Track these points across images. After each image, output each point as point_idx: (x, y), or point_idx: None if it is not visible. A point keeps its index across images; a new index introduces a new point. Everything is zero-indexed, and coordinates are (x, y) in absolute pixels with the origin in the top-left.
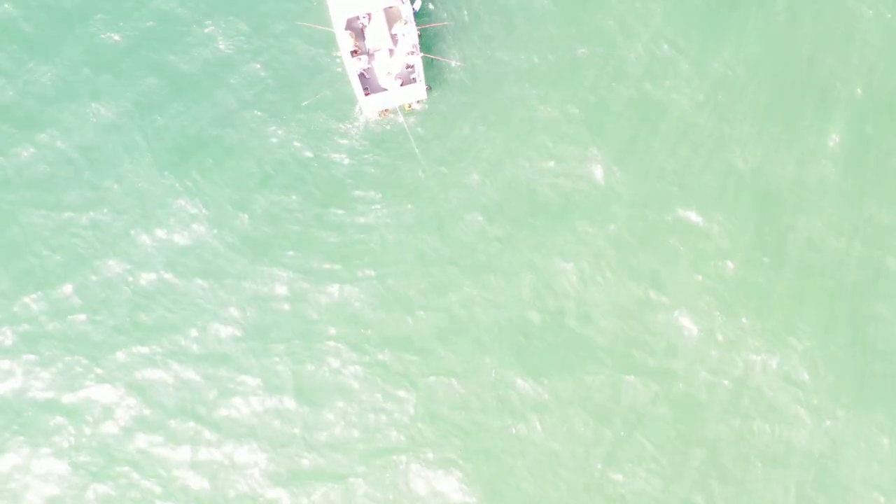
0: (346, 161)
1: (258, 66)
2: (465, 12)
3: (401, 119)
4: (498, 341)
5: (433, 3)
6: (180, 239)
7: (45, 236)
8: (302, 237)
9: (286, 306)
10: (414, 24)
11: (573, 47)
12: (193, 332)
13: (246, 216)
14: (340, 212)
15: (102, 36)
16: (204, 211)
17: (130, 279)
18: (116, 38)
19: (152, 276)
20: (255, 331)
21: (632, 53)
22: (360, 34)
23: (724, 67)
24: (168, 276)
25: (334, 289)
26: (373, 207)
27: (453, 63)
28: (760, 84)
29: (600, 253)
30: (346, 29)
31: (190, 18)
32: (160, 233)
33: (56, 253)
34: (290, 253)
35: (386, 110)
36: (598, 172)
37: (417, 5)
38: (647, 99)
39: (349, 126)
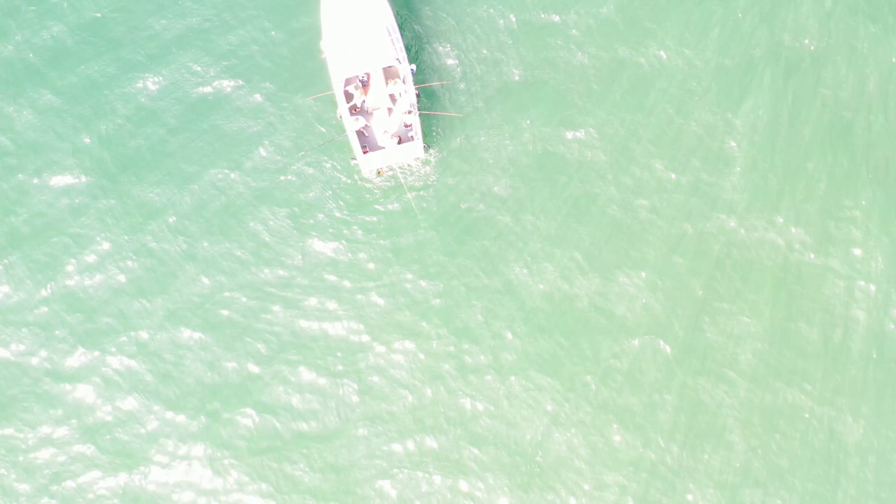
0: (340, 221)
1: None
2: (464, 70)
3: (399, 178)
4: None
5: (432, 62)
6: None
7: None
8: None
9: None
10: (412, 83)
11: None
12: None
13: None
14: (333, 277)
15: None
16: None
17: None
18: (120, 112)
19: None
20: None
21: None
22: (359, 93)
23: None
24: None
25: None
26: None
27: (453, 115)
28: None
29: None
30: (346, 88)
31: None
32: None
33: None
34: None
35: (383, 168)
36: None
37: (415, 67)
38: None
39: (346, 183)
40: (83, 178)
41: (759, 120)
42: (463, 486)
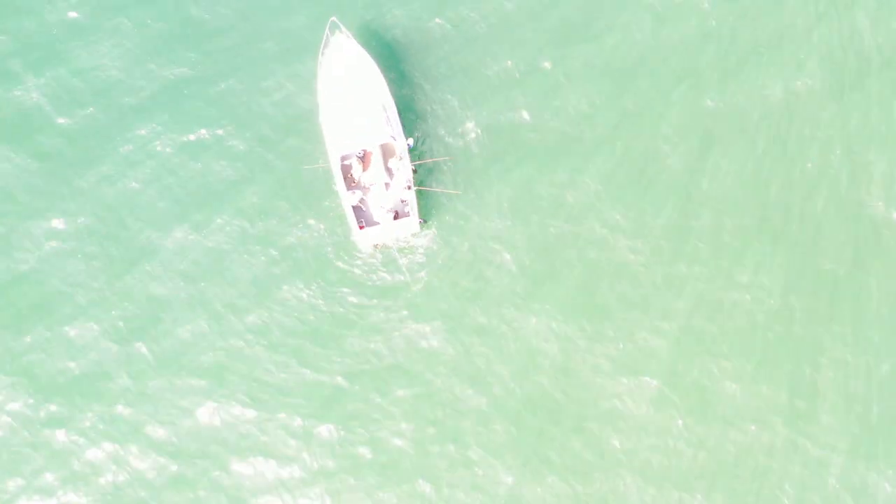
0: (329, 294)
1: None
2: (462, 146)
3: (395, 254)
4: None
5: (429, 138)
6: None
7: None
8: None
9: None
10: (409, 159)
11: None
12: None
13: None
14: (320, 350)
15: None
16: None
17: None
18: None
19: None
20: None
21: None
22: (358, 168)
23: None
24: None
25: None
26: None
27: (450, 192)
28: None
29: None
30: (343, 163)
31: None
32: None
33: None
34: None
35: (380, 243)
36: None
37: (411, 142)
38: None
39: (342, 257)
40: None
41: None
42: None
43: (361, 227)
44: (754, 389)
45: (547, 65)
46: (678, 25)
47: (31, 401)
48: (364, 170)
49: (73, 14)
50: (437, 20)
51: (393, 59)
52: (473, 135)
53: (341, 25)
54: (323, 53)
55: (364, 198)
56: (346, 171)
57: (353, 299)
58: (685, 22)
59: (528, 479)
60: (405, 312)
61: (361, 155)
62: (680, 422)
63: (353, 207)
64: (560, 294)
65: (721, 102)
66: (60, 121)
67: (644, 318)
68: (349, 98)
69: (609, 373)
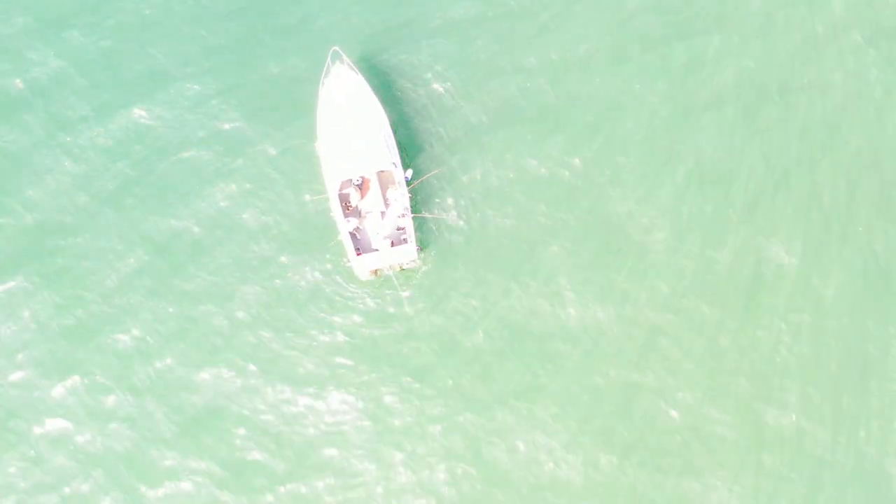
0: (323, 322)
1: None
2: (458, 171)
3: (393, 280)
4: None
5: (426, 165)
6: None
7: None
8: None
9: None
10: (405, 188)
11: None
12: None
13: None
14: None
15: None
16: None
17: None
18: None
19: None
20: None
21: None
22: (356, 195)
23: None
24: None
25: None
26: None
27: (446, 217)
28: None
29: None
30: (341, 190)
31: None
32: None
33: None
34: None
35: (377, 270)
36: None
37: (409, 174)
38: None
39: (339, 283)
40: None
41: None
42: None
43: (359, 254)
44: None
45: (548, 92)
46: None
47: None
48: (362, 197)
49: None
50: (441, 60)
51: (391, 89)
52: (479, 171)
53: (343, 54)
54: (323, 83)
55: (360, 226)
56: (343, 198)
57: (344, 325)
58: None
59: None
60: (399, 337)
61: (359, 182)
62: None
63: (350, 234)
64: None
65: None
66: None
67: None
68: (348, 125)
69: None
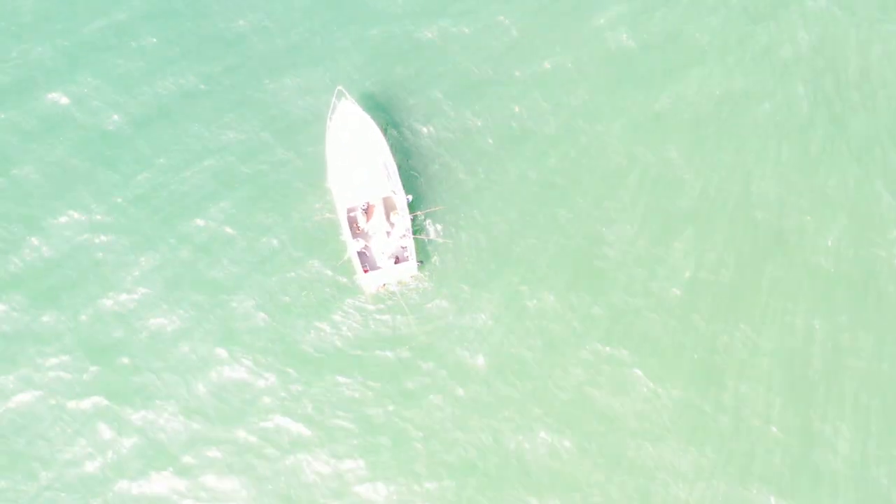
0: (337, 334)
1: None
2: (454, 198)
3: (397, 294)
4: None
5: (424, 191)
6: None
7: None
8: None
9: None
10: (407, 211)
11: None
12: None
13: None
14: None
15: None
16: None
17: None
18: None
19: None
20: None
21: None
22: (362, 218)
23: None
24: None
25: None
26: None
27: (444, 240)
28: None
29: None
30: (349, 215)
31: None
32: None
33: None
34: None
35: (383, 285)
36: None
37: (410, 197)
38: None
39: (348, 299)
40: None
41: None
42: None
43: (366, 271)
44: None
45: (551, 122)
46: None
47: None
48: (367, 220)
49: None
50: (437, 92)
51: (393, 121)
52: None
53: (346, 93)
54: (331, 119)
55: (367, 245)
56: (351, 221)
57: (357, 338)
58: None
59: None
60: (403, 350)
61: (365, 207)
62: None
63: (358, 253)
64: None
65: None
66: None
67: None
68: (354, 157)
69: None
